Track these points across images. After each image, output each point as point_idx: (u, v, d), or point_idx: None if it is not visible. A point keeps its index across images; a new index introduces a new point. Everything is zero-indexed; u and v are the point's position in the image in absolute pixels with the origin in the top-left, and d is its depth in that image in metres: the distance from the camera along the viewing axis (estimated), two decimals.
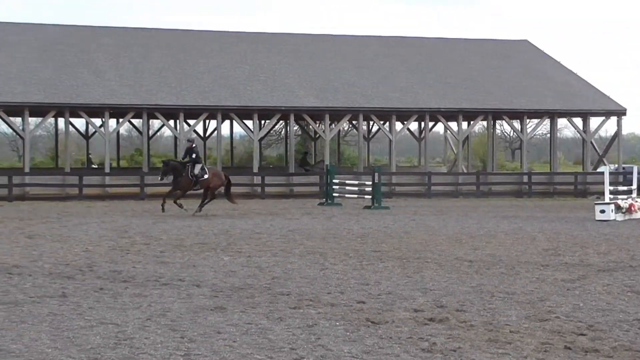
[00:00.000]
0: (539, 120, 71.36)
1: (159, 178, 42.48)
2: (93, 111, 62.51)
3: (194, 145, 43.29)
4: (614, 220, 38.38)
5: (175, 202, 40.52)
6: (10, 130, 77.50)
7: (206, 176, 41.83)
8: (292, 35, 75.54)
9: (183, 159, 43.34)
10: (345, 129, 78.35)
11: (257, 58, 68.62)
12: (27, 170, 59.58)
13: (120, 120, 66.26)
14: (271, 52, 69.85)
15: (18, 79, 59.32)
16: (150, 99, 60.17)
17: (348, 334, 13.59)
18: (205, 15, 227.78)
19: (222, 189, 44.01)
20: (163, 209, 40.37)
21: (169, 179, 42.09)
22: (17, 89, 58.09)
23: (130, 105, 60.01)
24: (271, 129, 76.43)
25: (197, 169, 41.60)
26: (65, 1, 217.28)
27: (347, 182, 54.90)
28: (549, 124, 71.09)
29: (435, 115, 67.37)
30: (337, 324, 14.33)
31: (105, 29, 72.40)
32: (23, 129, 61.26)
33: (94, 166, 71.24)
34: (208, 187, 42.40)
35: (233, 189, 45.21)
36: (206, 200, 42.04)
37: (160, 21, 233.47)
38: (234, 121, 69.56)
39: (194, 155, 41.61)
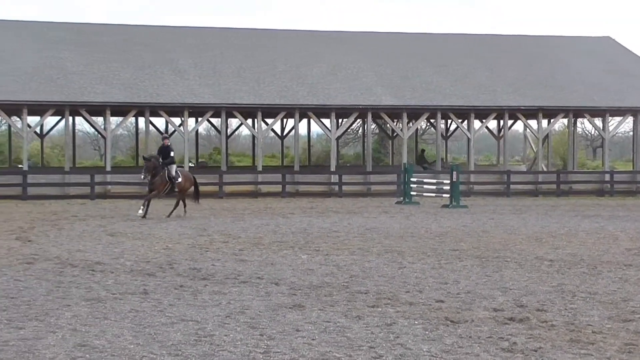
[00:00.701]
0: (622, 118, 70.42)
1: (142, 176, 40.40)
2: (173, 110, 62.88)
3: (169, 143, 40.73)
4: None
5: (145, 203, 38.55)
6: (92, 130, 78.12)
7: (180, 179, 39.45)
8: (370, 34, 75.44)
9: (160, 158, 39.51)
10: (423, 127, 78.09)
11: (335, 57, 68.58)
12: (108, 168, 60.24)
13: (199, 119, 66.59)
14: (349, 51, 69.77)
15: (100, 79, 59.88)
16: (228, 98, 60.38)
17: (427, 332, 13.59)
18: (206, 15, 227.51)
19: (192, 189, 41.43)
20: (145, 214, 37.82)
21: (149, 178, 39.49)
22: (99, 89, 58.65)
23: (209, 104, 60.25)
24: (348, 127, 76.28)
25: (173, 170, 39.32)
26: (146, 2, 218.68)
27: (425, 180, 54.89)
28: (631, 121, 70.14)
29: (514, 113, 66.90)
30: (416, 322, 14.33)
31: (185, 29, 72.87)
32: (105, 128, 61.81)
33: (191, 165, 71.72)
34: (181, 190, 40.09)
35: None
36: (178, 205, 39.62)
37: (236, 22, 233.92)
38: (311, 120, 69.70)
39: (171, 154, 39.15)
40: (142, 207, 38.11)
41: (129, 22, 76.71)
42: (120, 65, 62.19)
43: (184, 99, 60.54)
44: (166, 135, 42.29)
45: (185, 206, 39.56)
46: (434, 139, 78.59)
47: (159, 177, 37.62)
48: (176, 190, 39.17)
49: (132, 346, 12.55)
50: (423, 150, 72.75)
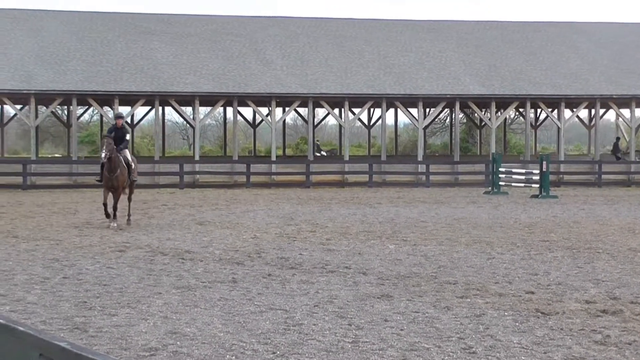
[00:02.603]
0: None
1: (102, 155, 29.18)
2: (260, 100, 63.24)
3: (123, 123, 31.74)
4: None
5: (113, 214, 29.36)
6: (181, 120, 78.65)
7: (134, 166, 30.85)
8: (457, 23, 75.22)
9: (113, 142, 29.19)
10: (512, 116, 77.71)
11: (423, 46, 68.49)
12: (197, 158, 60.73)
13: (287, 109, 66.94)
14: (436, 40, 69.65)
15: (189, 69, 60.43)
16: (316, 87, 60.58)
17: (517, 324, 13.58)
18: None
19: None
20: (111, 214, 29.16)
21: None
22: (188, 79, 59.17)
23: (297, 94, 60.46)
24: (436, 117, 76.20)
25: (129, 155, 30.88)
26: None
27: (514, 170, 54.65)
28: None
29: (606, 102, 66.43)
30: (506, 314, 14.32)
31: (272, 19, 72.99)
32: (193, 118, 62.32)
33: (323, 154, 72.20)
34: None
35: None
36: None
37: (326, 10, 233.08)
38: (398, 109, 69.69)
39: (127, 137, 31.41)
40: (111, 221, 28.48)
41: (217, 13, 76.75)
42: (209, 56, 62.60)
43: (271, 89, 60.80)
44: (120, 114, 34.34)
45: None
46: (523, 129, 78.22)
47: (119, 170, 28.30)
48: (135, 179, 31.00)
49: (221, 334, 12.70)
50: (618, 139, 71.82)
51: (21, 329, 2.39)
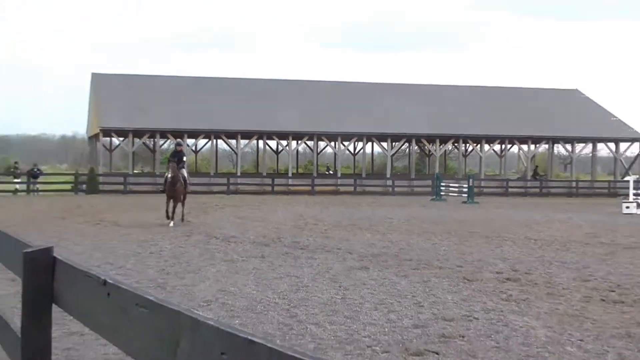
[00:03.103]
0: (584, 144, 69.99)
1: (169, 175, 27.34)
2: (281, 135, 64.36)
3: (181, 149, 29.06)
4: (636, 214, 37.67)
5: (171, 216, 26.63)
6: (228, 148, 78.35)
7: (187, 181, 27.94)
8: (414, 85, 75.12)
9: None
10: (450, 148, 77.76)
11: (391, 100, 68.11)
12: (238, 174, 61.42)
13: (299, 141, 67.16)
14: (400, 97, 69.34)
15: (233, 115, 61.41)
16: (319, 128, 62.40)
17: (451, 287, 13.57)
18: None
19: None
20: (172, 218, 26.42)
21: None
22: (233, 122, 59.92)
23: (306, 131, 61.70)
24: (399, 148, 76.83)
25: (186, 173, 27.68)
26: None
27: (450, 185, 55.18)
28: (591, 146, 69.84)
29: (512, 139, 67.65)
30: (444, 281, 14.32)
31: (287, 81, 72.98)
32: (236, 147, 62.77)
33: (331, 172, 72.10)
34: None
35: None
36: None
37: (325, 74, 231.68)
38: (374, 143, 70.41)
39: (184, 159, 28.20)
40: (169, 221, 25.90)
41: (250, 77, 76.83)
42: (247, 105, 62.86)
43: (288, 128, 61.42)
44: (180, 142, 31.08)
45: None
46: (457, 157, 78.28)
47: (178, 184, 26.14)
48: (188, 191, 27.87)
49: (254, 292, 12.71)
50: (537, 166, 72.32)
51: (123, 287, 2.43)
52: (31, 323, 3.25)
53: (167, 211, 26.34)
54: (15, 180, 57.61)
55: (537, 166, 72.61)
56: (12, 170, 60.84)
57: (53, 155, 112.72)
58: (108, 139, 65.02)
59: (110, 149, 67.87)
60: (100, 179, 57.54)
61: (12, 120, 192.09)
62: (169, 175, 26.41)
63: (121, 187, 56.16)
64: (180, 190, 26.05)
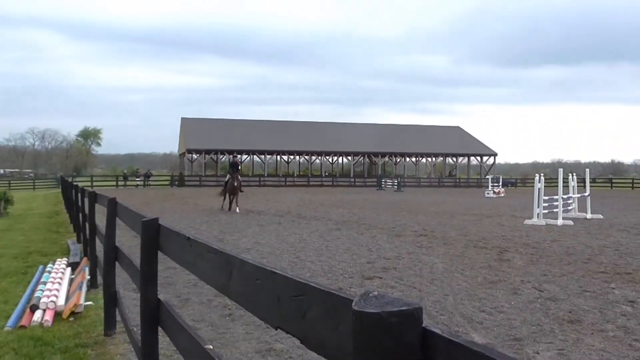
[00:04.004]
0: (463, 157, 70.20)
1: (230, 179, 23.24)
2: (290, 153, 63.68)
3: (237, 159, 24.87)
4: (491, 197, 37.76)
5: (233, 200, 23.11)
6: (259, 161, 77.85)
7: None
8: (369, 124, 75.14)
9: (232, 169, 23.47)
10: (387, 160, 77.81)
11: (354, 132, 68.36)
12: (265, 175, 60.33)
13: (301, 156, 66.66)
14: (364, 130, 69.46)
15: (262, 141, 60.55)
16: (312, 147, 60.84)
17: (388, 239, 13.51)
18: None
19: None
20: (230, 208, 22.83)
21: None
22: (260, 144, 59.28)
23: (303, 150, 60.77)
24: (357, 159, 76.23)
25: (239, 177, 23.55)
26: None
27: (388, 181, 54.91)
28: (466, 158, 70.04)
29: (422, 155, 67.21)
30: (384, 236, 14.27)
31: (291, 122, 72.65)
32: (264, 160, 62.04)
33: (327, 174, 71.17)
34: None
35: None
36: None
37: (314, 115, 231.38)
38: (343, 157, 69.93)
39: (239, 167, 23.92)
40: (235, 205, 22.50)
41: (271, 119, 76.52)
42: (269, 136, 62.65)
43: (294, 148, 60.75)
44: (236, 155, 27.68)
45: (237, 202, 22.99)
46: (391, 164, 78.25)
47: (237, 183, 22.16)
48: (241, 191, 23.17)
49: (274, 243, 12.64)
50: (450, 171, 71.83)
51: (199, 240, 2.41)
52: (145, 261, 3.24)
53: (225, 203, 22.97)
54: (137, 179, 57.74)
55: (450, 171, 72.34)
56: (135, 173, 61.25)
57: (159, 164, 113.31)
58: (190, 155, 64.91)
59: (191, 161, 67.69)
60: (186, 178, 57.45)
61: (136, 142, 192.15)
62: (230, 180, 22.62)
63: (197, 183, 56.07)
64: (238, 189, 22.46)
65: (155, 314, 3.19)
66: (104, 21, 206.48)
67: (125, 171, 64.49)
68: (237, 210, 22.08)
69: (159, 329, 3.23)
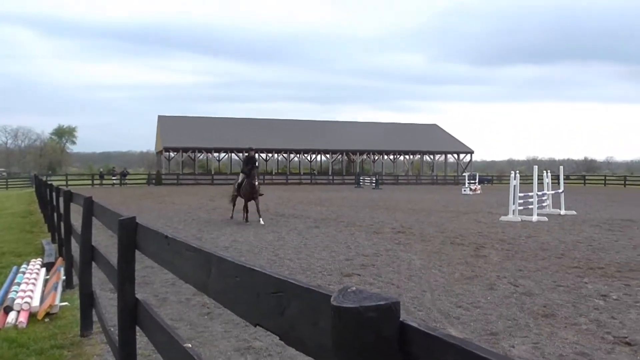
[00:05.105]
0: (440, 155, 70.80)
1: (256, 183, 16.97)
2: (269, 151, 63.36)
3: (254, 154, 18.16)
4: (468, 194, 38.15)
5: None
6: (237, 158, 77.34)
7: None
8: (347, 122, 75.23)
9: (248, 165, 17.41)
10: (365, 158, 78.20)
11: (337, 130, 68.40)
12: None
13: (281, 154, 66.64)
14: (342, 129, 69.56)
15: (246, 140, 60.10)
16: (293, 145, 60.59)
17: (366, 236, 13.58)
18: None
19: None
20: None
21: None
22: (246, 143, 59.13)
23: (283, 148, 60.50)
24: (336, 157, 76.10)
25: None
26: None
27: (366, 179, 55.00)
28: (443, 156, 70.72)
29: (399, 152, 67.46)
30: (362, 233, 14.32)
31: (274, 120, 72.20)
32: (243, 158, 62.20)
33: (315, 173, 70.95)
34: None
35: None
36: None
37: (297, 113, 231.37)
38: (322, 155, 69.99)
39: (256, 163, 17.52)
40: (258, 215, 16.86)
41: (259, 117, 76.08)
42: (248, 132, 62.38)
43: (273, 146, 60.54)
44: (252, 147, 18.61)
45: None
46: (369, 162, 78.52)
47: (257, 187, 16.76)
48: (261, 194, 17.33)
49: (253, 241, 12.57)
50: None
51: (177, 238, 2.39)
52: (123, 260, 3.22)
53: (236, 211, 18.01)
54: (113, 178, 56.94)
55: (431, 168, 72.74)
56: (111, 172, 60.37)
57: (136, 163, 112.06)
58: (167, 153, 64.22)
59: (169, 159, 66.96)
60: (163, 177, 56.85)
61: (112, 141, 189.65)
62: (245, 181, 16.92)
63: (175, 182, 55.54)
64: (257, 192, 16.75)
65: (133, 314, 3.17)
66: (78, 17, 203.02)
67: (102, 170, 63.48)
68: (261, 221, 16.38)
69: (137, 328, 3.20)
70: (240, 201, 17.74)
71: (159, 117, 68.47)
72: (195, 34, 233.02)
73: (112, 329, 4.34)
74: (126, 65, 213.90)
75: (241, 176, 17.39)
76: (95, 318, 5.56)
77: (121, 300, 3.22)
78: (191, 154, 64.35)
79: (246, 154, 17.55)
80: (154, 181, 55.61)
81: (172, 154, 64.68)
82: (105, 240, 11.25)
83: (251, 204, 17.23)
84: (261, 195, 17.34)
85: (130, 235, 3.13)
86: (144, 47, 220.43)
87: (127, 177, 56.69)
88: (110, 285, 6.08)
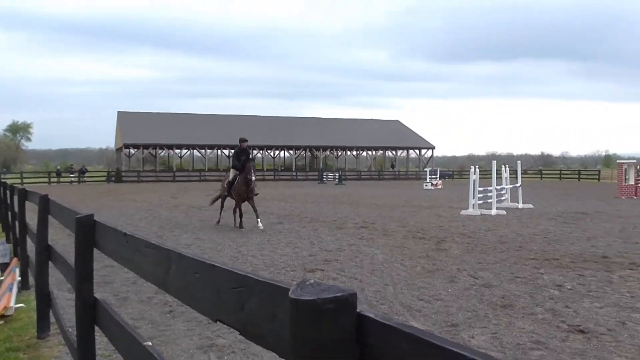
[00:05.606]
0: (402, 151, 71.50)
1: (253, 177, 14.29)
2: (232, 146, 62.99)
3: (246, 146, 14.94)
4: (430, 189, 38.68)
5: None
6: (199, 155, 76.23)
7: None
8: (310, 118, 75.17)
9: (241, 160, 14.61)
10: (328, 153, 78.54)
11: (298, 126, 68.30)
12: (206, 170, 59.07)
13: (256, 150, 66.25)
14: (306, 124, 69.46)
15: (210, 138, 59.18)
16: (267, 142, 60.67)
17: (329, 231, 13.62)
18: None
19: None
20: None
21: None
22: (211, 140, 58.12)
23: (259, 144, 60.42)
24: (300, 153, 76.45)
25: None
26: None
27: (330, 174, 55.24)
28: (406, 152, 71.43)
29: (362, 148, 68.00)
30: (325, 229, 14.34)
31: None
32: (205, 154, 60.83)
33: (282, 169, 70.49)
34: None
35: None
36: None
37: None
38: (286, 150, 69.70)
39: (250, 156, 14.96)
40: (255, 217, 14.61)
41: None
42: (211, 128, 61.51)
43: (234, 142, 60.07)
44: (245, 139, 14.68)
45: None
46: (332, 158, 78.73)
47: (252, 184, 14.17)
48: (256, 193, 14.70)
49: (216, 238, 12.45)
50: (392, 164, 72.14)
51: (137, 235, 2.36)
52: (80, 259, 3.15)
53: (225, 215, 15.35)
54: (71, 175, 55.53)
55: (392, 164, 73.41)
56: (69, 169, 58.91)
57: (95, 160, 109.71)
58: (128, 149, 62.95)
59: (129, 156, 65.63)
60: (123, 174, 55.73)
61: (70, 137, 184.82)
62: (237, 177, 14.29)
63: (136, 178, 54.54)
64: (252, 190, 14.11)
65: (91, 313, 3.11)
66: (34, 10, 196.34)
67: (59, 167, 61.71)
68: (260, 224, 14.01)
69: (96, 328, 3.14)
70: (230, 203, 14.75)
71: (119, 113, 67.06)
72: (155, 29, 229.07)
73: (70, 330, 4.24)
74: (84, 60, 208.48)
75: (232, 172, 14.49)
76: (52, 319, 5.42)
77: (79, 300, 3.15)
78: (152, 150, 63.22)
79: (238, 146, 14.39)
80: (113, 178, 54.43)
81: (132, 151, 63.42)
82: (63, 239, 10.98)
83: (245, 205, 14.28)
84: (256, 195, 14.41)
85: (88, 233, 3.06)
86: (103, 42, 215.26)
87: (85, 175, 55.31)
88: (68, 285, 5.93)
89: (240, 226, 14.22)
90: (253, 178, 13.99)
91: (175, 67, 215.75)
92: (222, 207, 15.37)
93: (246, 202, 14.42)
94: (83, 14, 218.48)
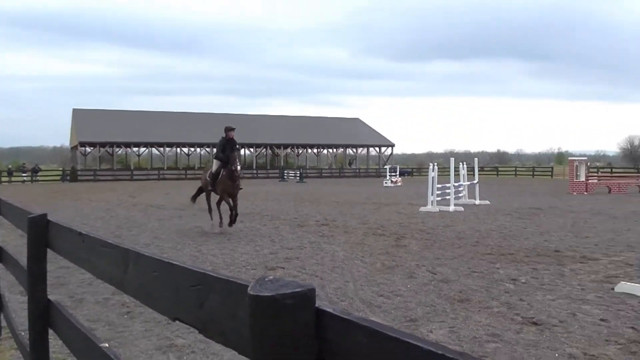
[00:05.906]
0: (362, 148, 72.01)
1: (238, 167, 12.70)
2: (192, 144, 61.66)
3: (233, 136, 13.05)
4: (389, 186, 39.11)
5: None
6: (158, 153, 74.84)
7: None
8: (271, 116, 74.88)
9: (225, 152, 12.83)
10: (289, 151, 78.31)
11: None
12: (165, 168, 58.10)
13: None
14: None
15: (184, 135, 58.24)
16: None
17: (290, 229, 13.60)
18: None
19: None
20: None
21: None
22: (186, 139, 56.97)
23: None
24: (260, 151, 76.17)
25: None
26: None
27: (291, 172, 55.18)
28: (366, 150, 72.00)
29: (323, 146, 68.19)
30: (287, 226, 14.32)
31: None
32: (164, 152, 59.66)
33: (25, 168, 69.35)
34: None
35: None
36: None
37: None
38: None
39: (237, 146, 13.26)
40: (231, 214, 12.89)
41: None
42: (171, 127, 60.52)
43: (195, 140, 59.15)
44: (232, 127, 13.13)
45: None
46: (293, 156, 78.59)
47: (237, 173, 12.54)
48: (240, 188, 13.05)
49: (176, 238, 12.23)
50: (350, 161, 72.11)
51: (92, 235, 2.31)
52: (33, 259, 3.06)
53: (211, 211, 13.53)
54: (23, 174, 53.76)
55: (350, 161, 73.69)
56: (21, 168, 57.02)
57: (48, 158, 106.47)
58: (83, 148, 61.29)
59: (84, 154, 63.89)
60: (78, 173, 54.27)
61: (22, 135, 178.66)
62: (222, 171, 12.73)
63: (92, 177, 53.19)
64: (237, 186, 12.75)
65: (45, 315, 3.02)
66: None
67: (10, 166, 59.57)
68: (230, 226, 12.87)
69: (50, 331, 3.05)
70: (215, 198, 13.35)
71: (74, 110, 65.19)
72: (110, 23, 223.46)
73: (22, 333, 4.11)
74: (36, 55, 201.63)
75: (215, 164, 12.92)
76: (4, 323, 5.24)
77: (32, 302, 3.06)
78: (109, 148, 61.77)
79: (223, 136, 12.87)
80: (68, 177, 52.95)
81: (88, 149, 61.75)
82: (15, 241, 10.59)
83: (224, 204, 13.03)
84: (240, 189, 13.00)
85: (41, 233, 2.98)
86: (56, 37, 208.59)
87: (38, 174, 53.62)
88: (21, 287, 5.73)
89: (221, 224, 12.90)
90: (239, 168, 12.44)
91: (132, 64, 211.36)
92: (209, 205, 13.44)
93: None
94: (35, 8, 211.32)
